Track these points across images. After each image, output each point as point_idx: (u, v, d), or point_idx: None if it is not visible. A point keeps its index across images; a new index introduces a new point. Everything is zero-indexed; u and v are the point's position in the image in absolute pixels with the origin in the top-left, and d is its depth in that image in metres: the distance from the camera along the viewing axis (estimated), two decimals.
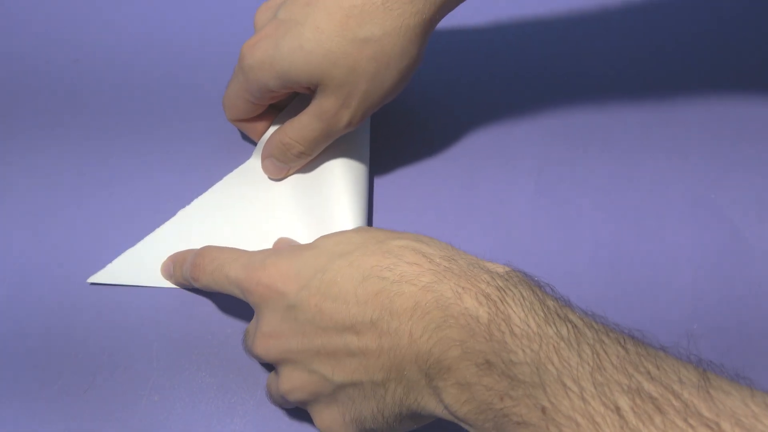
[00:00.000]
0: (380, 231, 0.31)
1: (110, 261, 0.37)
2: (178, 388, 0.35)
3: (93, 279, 0.37)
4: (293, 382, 0.29)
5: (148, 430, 0.34)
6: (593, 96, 0.43)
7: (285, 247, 0.32)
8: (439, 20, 0.34)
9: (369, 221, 0.39)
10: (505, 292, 0.25)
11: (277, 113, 0.39)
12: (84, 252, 0.38)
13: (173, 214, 0.38)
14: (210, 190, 0.39)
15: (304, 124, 0.35)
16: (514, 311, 0.24)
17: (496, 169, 0.41)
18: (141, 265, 0.37)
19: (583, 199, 0.40)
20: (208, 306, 0.37)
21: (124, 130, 0.41)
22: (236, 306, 0.37)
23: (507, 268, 0.27)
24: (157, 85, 0.43)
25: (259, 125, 0.39)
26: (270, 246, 0.37)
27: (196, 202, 0.39)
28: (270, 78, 0.34)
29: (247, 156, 0.40)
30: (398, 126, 0.42)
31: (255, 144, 0.40)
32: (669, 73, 0.44)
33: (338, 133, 0.36)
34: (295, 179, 0.39)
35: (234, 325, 0.37)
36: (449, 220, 0.39)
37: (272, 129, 0.39)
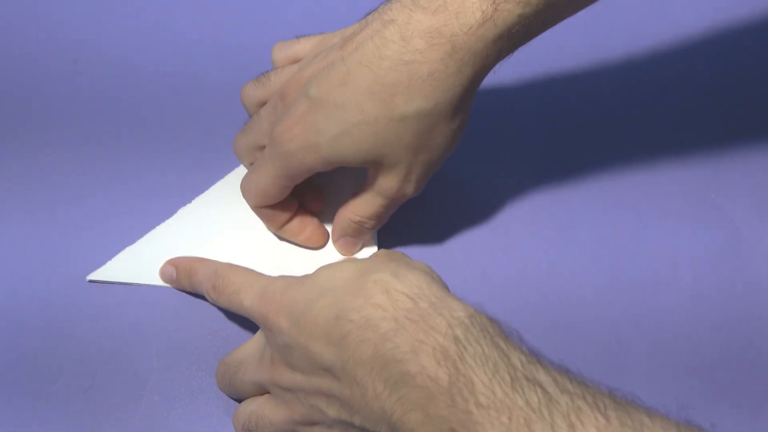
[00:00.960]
0: (370, 261, 0.30)
1: (110, 260, 0.37)
2: (178, 388, 0.35)
3: (92, 276, 0.37)
4: (293, 412, 0.29)
5: (148, 430, 0.34)
6: (593, 96, 0.43)
7: (295, 277, 0.31)
8: (483, 78, 0.32)
9: None
10: (465, 347, 0.24)
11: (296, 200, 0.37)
12: (84, 251, 0.38)
13: (173, 213, 0.38)
14: (210, 189, 0.39)
15: (369, 203, 0.34)
16: (476, 374, 0.23)
17: (496, 169, 0.41)
18: (140, 263, 0.37)
19: (583, 199, 0.39)
20: (208, 306, 0.37)
21: (123, 130, 0.41)
22: None
23: (471, 311, 0.26)
24: (156, 85, 0.43)
25: (284, 215, 0.36)
26: (269, 245, 0.38)
27: (197, 201, 0.39)
28: (315, 162, 0.32)
29: None
30: None
31: None
32: (669, 72, 0.44)
33: (404, 200, 0.35)
34: None
35: (234, 326, 0.37)
36: (448, 221, 0.39)
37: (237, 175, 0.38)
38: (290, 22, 0.45)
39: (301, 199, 0.37)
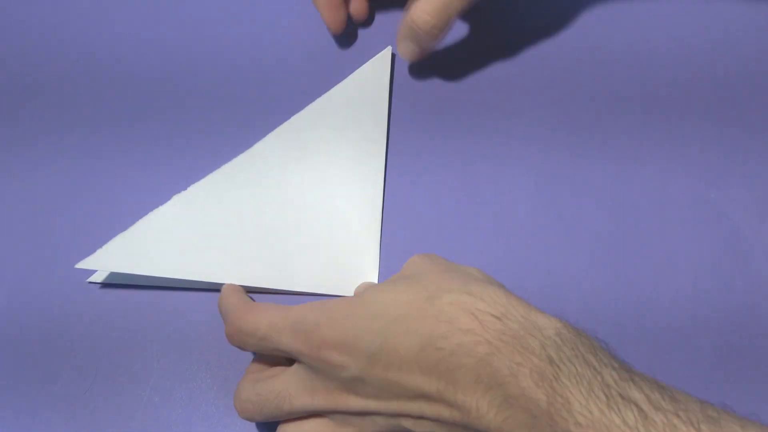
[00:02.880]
0: (428, 279, 0.29)
1: (101, 247, 0.36)
2: (178, 388, 0.35)
3: (81, 265, 0.35)
4: (376, 425, 0.29)
5: (148, 430, 0.34)
6: (593, 96, 0.43)
7: (329, 303, 0.30)
8: None
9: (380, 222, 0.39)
10: (559, 367, 0.24)
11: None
12: (84, 251, 0.38)
13: None
14: (204, 179, 0.39)
15: None
16: (572, 394, 0.23)
17: (496, 169, 0.41)
18: (131, 251, 0.36)
19: (583, 199, 0.39)
20: (208, 306, 0.37)
21: (123, 130, 0.41)
22: None
23: (558, 326, 0.26)
24: (156, 85, 0.43)
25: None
26: (264, 233, 0.37)
27: (191, 189, 0.38)
28: None
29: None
30: (400, 126, 0.42)
31: (262, 131, 0.40)
32: (668, 72, 0.44)
33: (469, 2, 0.37)
34: (292, 171, 0.39)
35: None
36: (449, 220, 0.39)
37: None
38: (290, 20, 0.45)
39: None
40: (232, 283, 0.36)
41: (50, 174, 0.40)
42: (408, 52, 0.40)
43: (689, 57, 0.44)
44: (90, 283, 0.37)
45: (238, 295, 0.34)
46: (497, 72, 0.43)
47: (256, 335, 0.30)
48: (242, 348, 0.32)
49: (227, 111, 0.42)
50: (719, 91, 0.43)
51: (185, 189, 0.39)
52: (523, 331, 0.25)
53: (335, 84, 0.41)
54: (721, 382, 0.35)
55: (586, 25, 0.45)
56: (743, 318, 0.37)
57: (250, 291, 0.37)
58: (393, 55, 0.42)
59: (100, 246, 0.37)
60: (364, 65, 0.42)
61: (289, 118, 0.40)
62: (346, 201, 0.39)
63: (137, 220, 0.38)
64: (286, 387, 0.30)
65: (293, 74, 0.43)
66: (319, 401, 0.29)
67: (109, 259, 0.36)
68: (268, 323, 0.30)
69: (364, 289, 0.30)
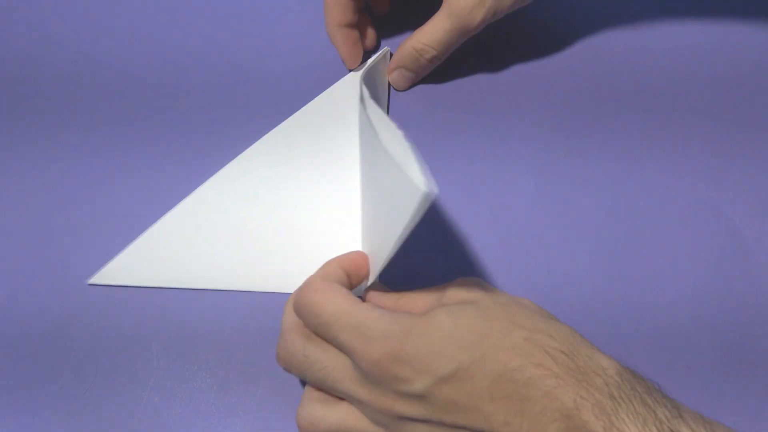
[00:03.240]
0: (497, 310, 0.29)
1: (111, 260, 0.37)
2: (178, 388, 0.35)
3: (92, 281, 0.37)
4: None
5: (148, 430, 0.34)
6: (593, 96, 0.43)
7: (398, 316, 0.29)
8: None
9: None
10: (618, 404, 0.25)
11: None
12: (84, 252, 0.38)
13: None
14: (203, 185, 0.39)
15: (436, 27, 0.37)
16: (628, 427, 0.25)
17: (496, 169, 0.41)
18: (140, 264, 0.37)
19: (583, 199, 0.39)
20: (208, 306, 0.37)
21: (123, 130, 0.41)
22: (236, 306, 0.37)
23: (618, 367, 0.27)
24: (156, 85, 0.43)
25: (347, 14, 0.39)
26: (270, 239, 0.37)
27: (193, 196, 0.39)
28: None
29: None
30: (399, 126, 0.42)
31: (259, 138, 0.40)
32: (669, 72, 0.44)
33: (470, 33, 0.37)
34: (295, 176, 0.39)
35: (234, 325, 0.37)
36: (450, 220, 0.39)
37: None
38: (291, 20, 0.45)
39: (364, 36, 0.41)
40: (232, 288, 0.37)
41: (50, 174, 0.40)
42: (402, 80, 0.41)
43: (689, 57, 0.44)
44: (90, 284, 0.37)
45: (326, 268, 0.33)
46: (497, 72, 0.43)
47: (318, 319, 0.29)
48: (302, 318, 0.31)
49: (227, 111, 0.42)
50: (719, 91, 0.43)
51: (185, 188, 0.39)
52: (588, 368, 0.27)
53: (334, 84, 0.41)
54: (721, 382, 0.35)
55: (586, 24, 0.45)
56: (743, 318, 0.37)
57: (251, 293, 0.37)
58: (390, 54, 0.42)
59: (100, 246, 0.38)
60: (363, 65, 0.42)
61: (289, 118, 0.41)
62: (333, 201, 0.39)
63: (136, 219, 0.38)
64: (334, 367, 0.29)
65: (293, 75, 0.43)
66: (363, 395, 0.29)
67: (118, 273, 0.37)
68: (332, 313, 0.29)
69: (429, 309, 0.29)
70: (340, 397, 0.30)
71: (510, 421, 0.26)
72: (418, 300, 0.32)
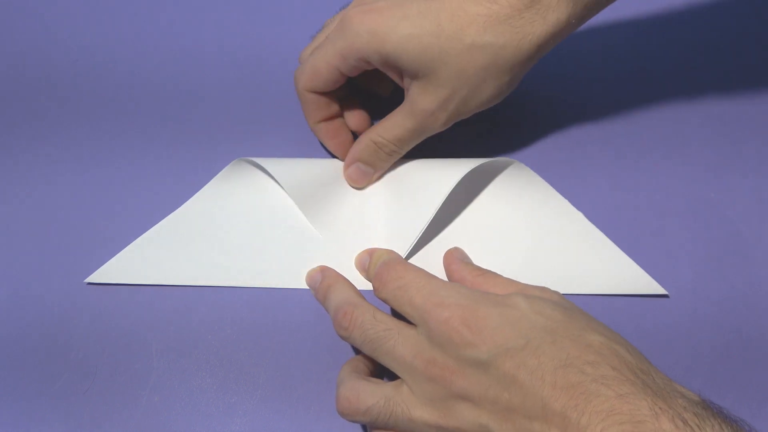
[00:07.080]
0: (576, 314, 0.29)
1: (108, 261, 0.37)
2: (178, 388, 0.35)
3: (91, 279, 0.37)
4: (462, 422, 0.28)
5: (148, 430, 0.34)
6: (593, 96, 0.43)
7: (474, 291, 0.30)
8: (547, 51, 0.34)
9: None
10: (703, 420, 0.24)
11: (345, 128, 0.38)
12: (84, 252, 0.38)
13: (172, 212, 0.38)
14: (205, 187, 0.39)
15: (397, 123, 0.35)
16: None
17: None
18: (138, 263, 0.37)
19: (583, 199, 0.39)
20: (208, 306, 0.37)
21: (123, 130, 0.41)
22: (236, 306, 0.37)
23: (700, 397, 0.26)
24: (156, 85, 0.43)
25: (324, 110, 0.37)
26: (269, 240, 0.38)
27: (194, 198, 0.39)
28: (374, 52, 0.33)
29: (246, 154, 0.40)
30: None
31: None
32: (669, 73, 0.44)
33: (430, 133, 0.36)
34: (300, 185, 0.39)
35: (234, 325, 0.37)
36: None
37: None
38: (293, 19, 0.45)
39: (347, 119, 0.39)
40: (233, 284, 0.37)
41: (49, 174, 0.40)
42: (360, 175, 0.38)
43: (689, 57, 0.44)
44: (89, 283, 0.37)
45: (384, 255, 0.34)
46: None
47: (398, 282, 0.31)
48: (379, 292, 0.32)
49: (228, 111, 0.42)
50: (719, 92, 0.43)
51: (185, 188, 0.39)
52: (668, 388, 0.26)
53: None
54: (721, 382, 0.35)
55: (586, 24, 0.45)
56: (743, 317, 0.37)
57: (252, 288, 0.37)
58: None
59: (99, 246, 0.38)
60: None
61: (288, 120, 0.41)
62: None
63: (135, 218, 0.38)
64: (399, 330, 0.30)
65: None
66: (421, 361, 0.29)
67: (117, 271, 0.37)
68: (412, 278, 0.31)
69: (504, 293, 0.30)
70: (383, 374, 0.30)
71: (567, 413, 0.25)
72: (498, 282, 0.32)
